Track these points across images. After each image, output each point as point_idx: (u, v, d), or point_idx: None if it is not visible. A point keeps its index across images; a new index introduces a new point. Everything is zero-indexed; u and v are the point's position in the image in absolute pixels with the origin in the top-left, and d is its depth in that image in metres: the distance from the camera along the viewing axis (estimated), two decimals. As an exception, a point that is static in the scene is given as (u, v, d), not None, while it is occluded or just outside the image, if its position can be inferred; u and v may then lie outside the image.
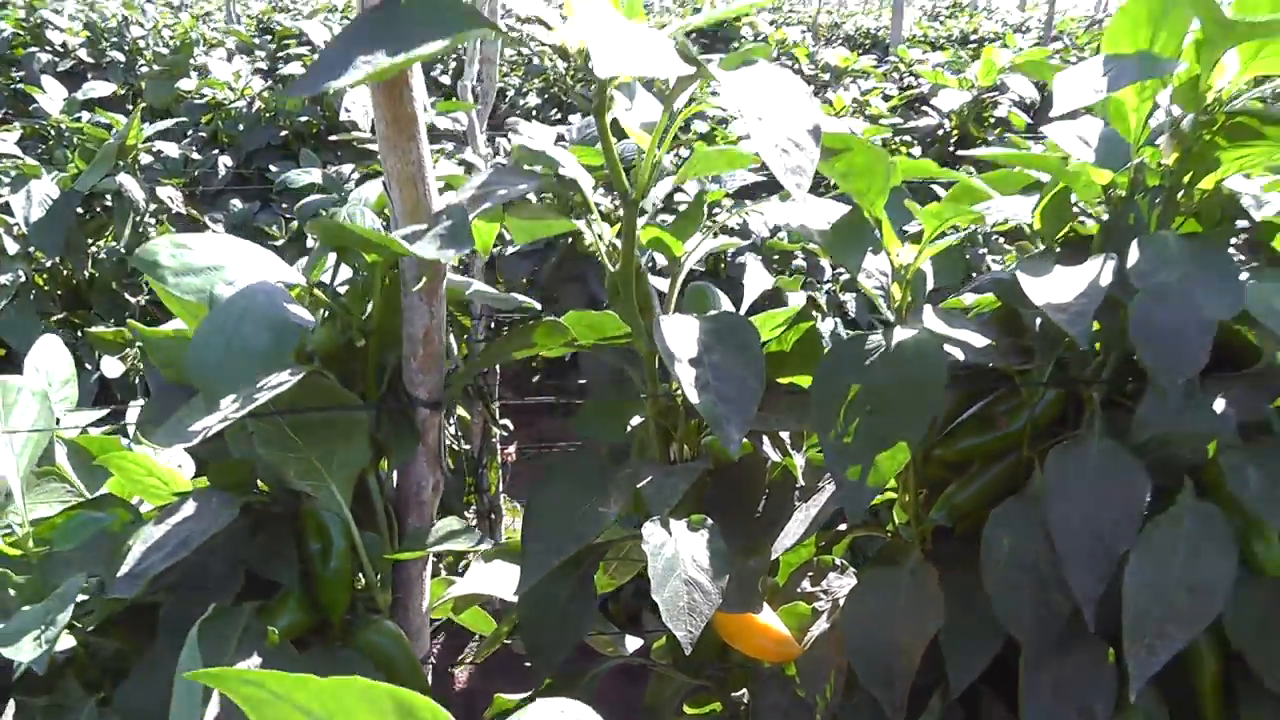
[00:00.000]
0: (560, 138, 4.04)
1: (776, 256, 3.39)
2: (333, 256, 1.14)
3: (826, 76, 5.53)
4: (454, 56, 6.02)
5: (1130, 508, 1.10)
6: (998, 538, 1.17)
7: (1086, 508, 1.12)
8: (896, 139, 3.88)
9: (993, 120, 3.97)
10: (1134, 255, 1.08)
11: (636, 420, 1.30)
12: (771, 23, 9.54)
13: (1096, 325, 1.15)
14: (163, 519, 1.07)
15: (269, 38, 6.53)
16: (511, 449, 4.65)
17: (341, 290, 1.16)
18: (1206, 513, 1.10)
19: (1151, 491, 1.11)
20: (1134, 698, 1.05)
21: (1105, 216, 1.19)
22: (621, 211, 1.14)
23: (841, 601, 1.37)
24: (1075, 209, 1.23)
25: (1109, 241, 1.17)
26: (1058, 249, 1.22)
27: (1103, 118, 1.24)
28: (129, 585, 1.01)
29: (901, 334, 1.15)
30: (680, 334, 1.08)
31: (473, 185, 1.10)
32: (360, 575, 1.15)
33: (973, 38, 10.11)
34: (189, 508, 1.09)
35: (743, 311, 1.34)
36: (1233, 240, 1.27)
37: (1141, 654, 1.05)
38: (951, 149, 4.01)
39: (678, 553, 1.11)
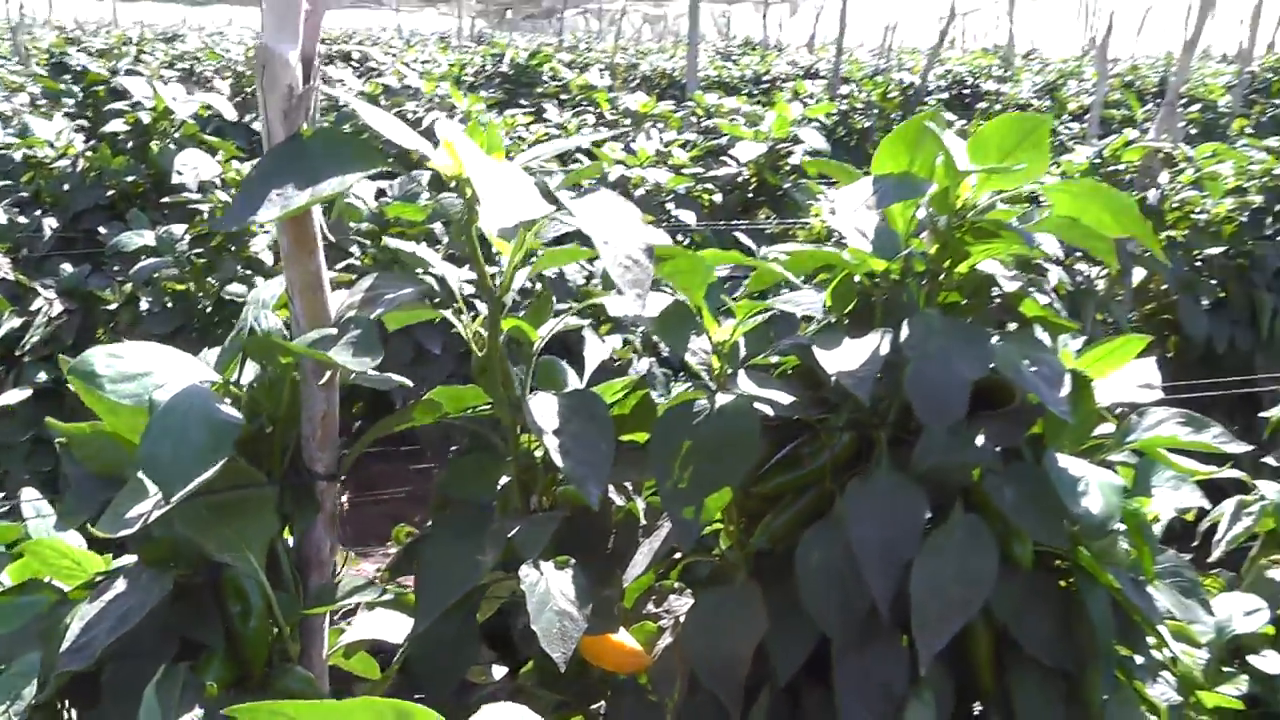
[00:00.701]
0: (381, 193, 4.16)
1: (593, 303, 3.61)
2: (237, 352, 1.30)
3: (628, 122, 5.81)
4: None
5: (913, 524, 1.35)
6: (808, 555, 1.40)
7: (879, 526, 1.36)
8: (699, 187, 4.19)
9: (788, 168, 4.34)
10: (905, 330, 1.35)
11: (504, 479, 1.50)
12: (570, 64, 9.81)
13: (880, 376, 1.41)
14: (97, 597, 1.20)
15: (69, 78, 6.35)
16: (344, 499, 4.68)
17: (245, 381, 1.31)
18: (973, 524, 1.35)
19: (930, 509, 1.36)
20: (923, 672, 1.29)
21: (884, 296, 1.46)
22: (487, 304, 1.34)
23: (682, 618, 1.60)
24: (859, 286, 1.50)
25: (887, 316, 1.43)
26: (846, 321, 1.48)
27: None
28: (76, 658, 1.14)
29: (722, 398, 1.39)
30: (544, 410, 1.29)
31: (361, 289, 1.28)
32: (275, 630, 1.30)
33: (765, 78, 10.69)
34: (120, 585, 1.22)
35: (585, 381, 1.55)
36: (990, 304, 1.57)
37: (927, 638, 1.29)
38: (750, 195, 4.36)
39: (549, 589, 1.31)
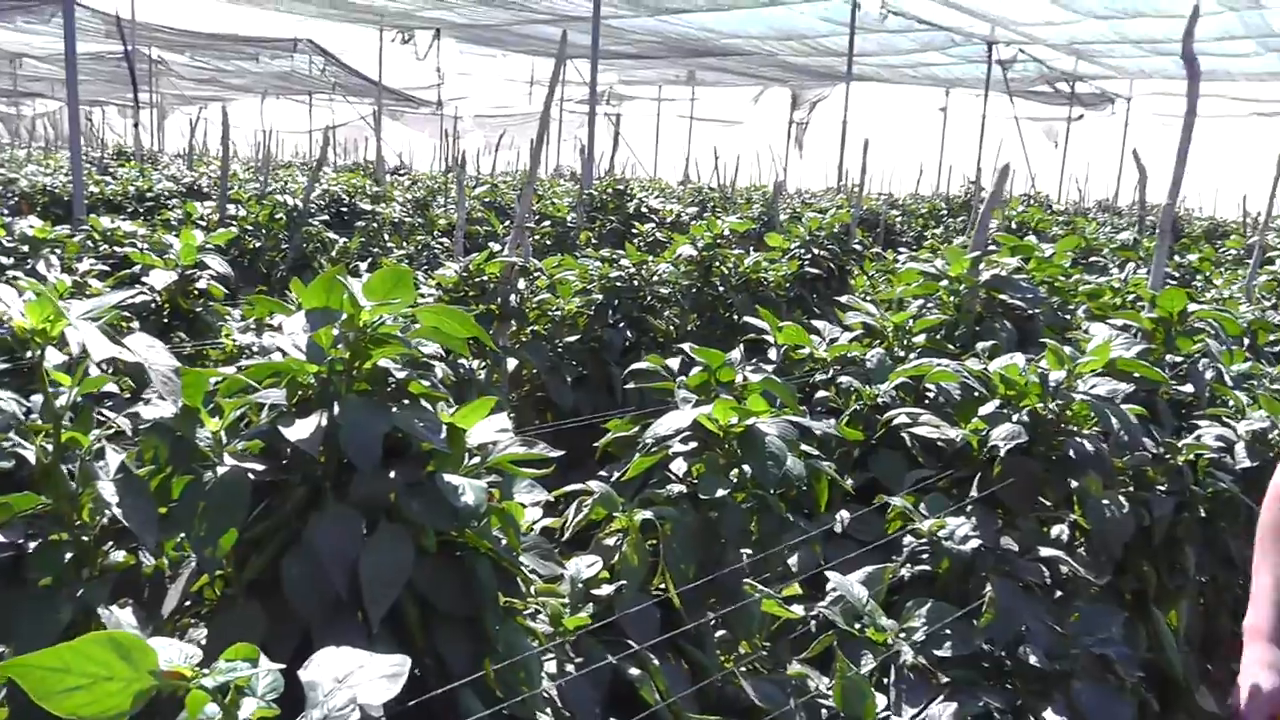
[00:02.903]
0: None
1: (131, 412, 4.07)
2: None
3: (26, 248, 6.07)
4: None
5: (356, 535, 2.18)
6: (290, 568, 2.19)
7: (333, 541, 2.17)
8: (117, 313, 4.74)
9: (197, 292, 5.05)
10: (336, 409, 2.27)
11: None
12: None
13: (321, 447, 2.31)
14: None
15: None
16: None
17: None
18: (395, 529, 2.22)
19: (366, 525, 2.22)
20: (375, 630, 2.18)
21: (318, 389, 2.37)
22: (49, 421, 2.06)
23: (203, 641, 2.36)
24: (300, 383, 2.39)
25: (321, 402, 2.34)
26: (295, 409, 2.36)
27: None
28: None
29: (221, 469, 2.21)
30: (109, 491, 2.03)
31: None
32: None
33: (149, 195, 11.15)
34: None
35: (115, 472, 2.28)
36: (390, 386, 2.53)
37: (373, 610, 2.13)
38: (166, 320, 5.01)
39: (120, 621, 2.04)
